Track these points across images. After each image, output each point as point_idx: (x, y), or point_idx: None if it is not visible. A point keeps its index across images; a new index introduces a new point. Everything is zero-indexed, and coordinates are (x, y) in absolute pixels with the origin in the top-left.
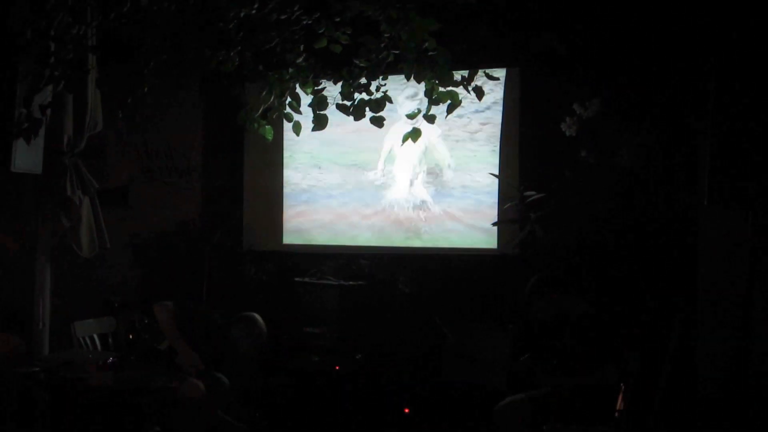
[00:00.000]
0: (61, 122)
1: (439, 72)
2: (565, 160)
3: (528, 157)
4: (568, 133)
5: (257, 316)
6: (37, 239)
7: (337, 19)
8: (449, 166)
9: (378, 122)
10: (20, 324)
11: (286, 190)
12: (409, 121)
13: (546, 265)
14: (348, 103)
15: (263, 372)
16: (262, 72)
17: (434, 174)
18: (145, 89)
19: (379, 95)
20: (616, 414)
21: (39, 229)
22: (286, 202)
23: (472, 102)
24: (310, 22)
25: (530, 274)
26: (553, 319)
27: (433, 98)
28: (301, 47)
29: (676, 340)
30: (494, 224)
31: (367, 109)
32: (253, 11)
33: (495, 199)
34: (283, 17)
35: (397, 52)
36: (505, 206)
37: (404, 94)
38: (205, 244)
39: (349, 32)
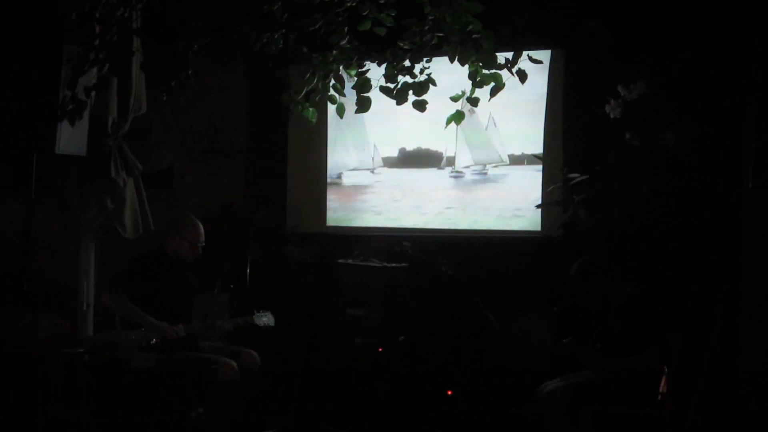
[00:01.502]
0: (106, 104)
1: (483, 54)
2: (609, 142)
3: (572, 139)
4: (612, 116)
5: (191, 216)
6: (81, 221)
7: (381, 1)
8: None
9: (420, 106)
10: (65, 306)
11: (329, 171)
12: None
13: (590, 248)
14: (391, 86)
15: (305, 353)
16: (306, 54)
17: None
18: (189, 72)
19: (422, 78)
20: (659, 397)
21: (83, 211)
22: (330, 183)
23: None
24: (354, 4)
25: (574, 257)
26: (597, 302)
27: (477, 81)
28: (345, 29)
29: (720, 323)
30: (538, 207)
31: (411, 92)
32: None
33: (539, 182)
34: None
35: (441, 34)
36: (549, 189)
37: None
38: (249, 226)
39: (393, 14)
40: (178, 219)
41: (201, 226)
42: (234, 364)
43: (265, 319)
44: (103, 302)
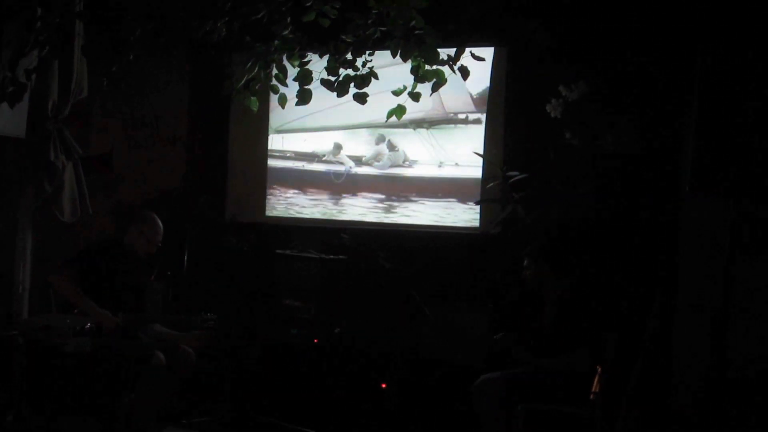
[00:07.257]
0: (47, 87)
1: (426, 51)
2: (549, 141)
3: (513, 137)
4: (553, 115)
5: (153, 215)
6: (18, 203)
7: None
8: None
9: (361, 99)
10: (0, 288)
11: (270, 161)
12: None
13: (527, 245)
14: (333, 79)
15: (241, 343)
16: (249, 43)
17: None
18: (131, 57)
19: (365, 71)
20: (591, 396)
21: (21, 194)
22: (270, 173)
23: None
24: None
25: (511, 253)
26: (535, 295)
27: (418, 76)
28: (289, 20)
29: (653, 324)
30: (477, 203)
31: (352, 84)
32: None
33: (478, 178)
34: None
35: (384, 29)
36: (488, 185)
37: None
38: (188, 214)
39: (337, 6)
40: (141, 214)
41: (161, 226)
42: (163, 357)
43: (211, 323)
44: (50, 281)
